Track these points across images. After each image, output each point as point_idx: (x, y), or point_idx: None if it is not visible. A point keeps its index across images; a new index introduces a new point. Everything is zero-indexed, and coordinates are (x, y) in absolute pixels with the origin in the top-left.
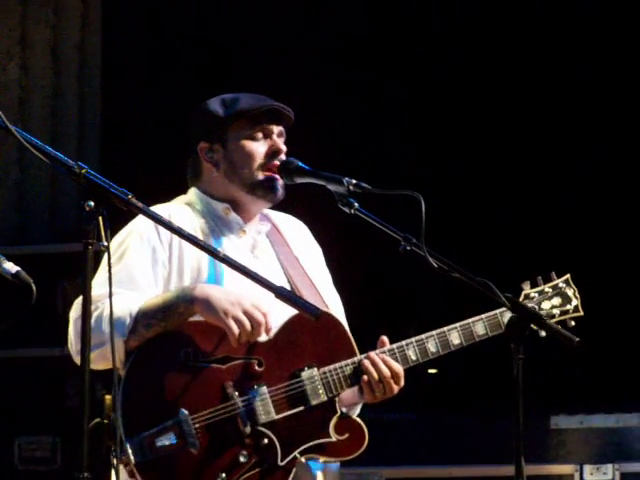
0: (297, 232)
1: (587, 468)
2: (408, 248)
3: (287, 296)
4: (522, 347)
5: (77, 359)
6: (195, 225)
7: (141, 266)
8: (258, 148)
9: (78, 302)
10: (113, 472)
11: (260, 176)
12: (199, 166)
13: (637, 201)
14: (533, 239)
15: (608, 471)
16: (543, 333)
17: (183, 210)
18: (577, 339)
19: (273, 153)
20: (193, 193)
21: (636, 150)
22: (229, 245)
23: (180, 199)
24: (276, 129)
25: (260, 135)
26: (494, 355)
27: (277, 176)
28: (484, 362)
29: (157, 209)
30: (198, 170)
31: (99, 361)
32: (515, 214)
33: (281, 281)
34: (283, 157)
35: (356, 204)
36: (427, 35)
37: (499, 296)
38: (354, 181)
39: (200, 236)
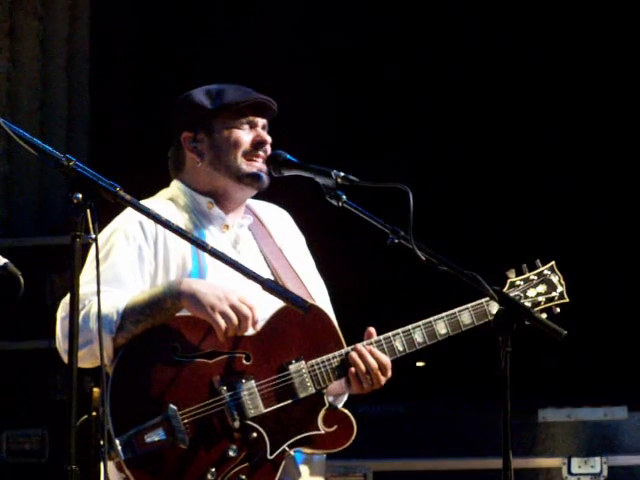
0: (280, 222)
1: (575, 461)
2: (396, 241)
3: (275, 289)
4: (509, 340)
5: (65, 357)
6: (178, 221)
7: (127, 264)
8: (243, 136)
9: (65, 301)
10: (102, 466)
11: (245, 164)
12: (182, 156)
13: (625, 187)
14: (518, 227)
15: (596, 464)
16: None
17: (167, 206)
18: (565, 332)
19: (258, 143)
20: (176, 186)
21: (626, 136)
22: (211, 240)
23: (163, 193)
24: (260, 121)
25: (246, 126)
26: (482, 348)
27: (262, 165)
28: (472, 355)
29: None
30: (180, 160)
31: (88, 359)
32: (501, 203)
33: (265, 274)
34: (268, 148)
35: (344, 197)
36: (413, 27)
37: (487, 289)
38: (342, 174)
39: None
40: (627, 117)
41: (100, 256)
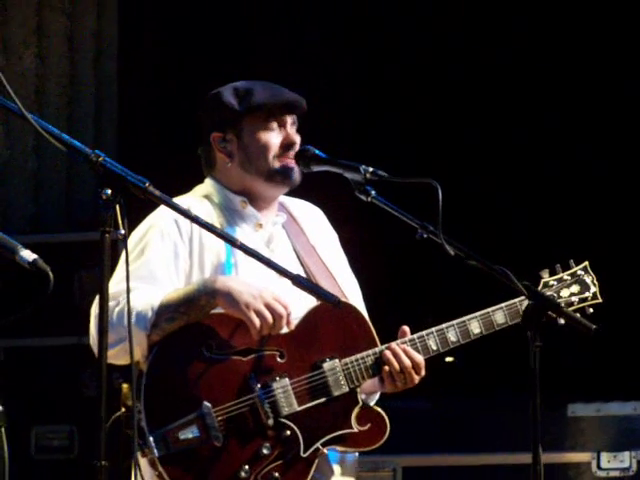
0: (313, 220)
1: (604, 456)
2: (425, 236)
3: (305, 284)
4: (539, 335)
5: None
6: (213, 218)
7: (162, 261)
8: (273, 139)
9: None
10: (133, 464)
11: (276, 164)
12: (212, 156)
13: None
14: (552, 227)
15: (625, 459)
16: (562, 321)
17: (201, 204)
18: (594, 327)
19: (288, 144)
20: (210, 184)
21: None
22: (245, 239)
23: (198, 190)
24: (290, 119)
25: (275, 125)
26: (511, 343)
27: (293, 164)
28: (501, 350)
29: (177, 201)
30: (211, 160)
31: (122, 355)
32: (534, 202)
33: (298, 272)
34: (297, 147)
35: (373, 192)
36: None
37: (516, 284)
38: (371, 169)
39: None
40: None
41: (135, 253)
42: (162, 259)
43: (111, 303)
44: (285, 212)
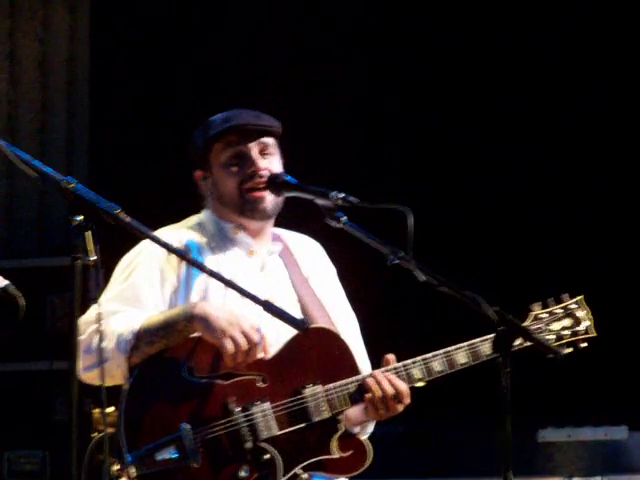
0: (308, 252)
1: None
2: (396, 261)
3: (274, 310)
4: (509, 360)
5: (83, 375)
6: (204, 245)
7: (147, 285)
8: (233, 176)
9: (82, 321)
10: None
11: (244, 197)
12: (200, 192)
13: None
14: (547, 259)
15: None
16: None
17: (193, 231)
18: (563, 353)
19: (250, 174)
20: (204, 213)
21: None
22: (238, 265)
23: (193, 219)
24: (255, 146)
25: (234, 160)
26: (482, 368)
27: (261, 193)
28: (472, 375)
29: (170, 230)
30: (202, 194)
31: (100, 378)
32: (537, 236)
33: (292, 301)
34: (263, 173)
35: (344, 218)
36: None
37: (486, 310)
38: (341, 195)
39: (209, 256)
40: None
41: (124, 275)
42: (148, 283)
43: (93, 326)
44: (281, 242)
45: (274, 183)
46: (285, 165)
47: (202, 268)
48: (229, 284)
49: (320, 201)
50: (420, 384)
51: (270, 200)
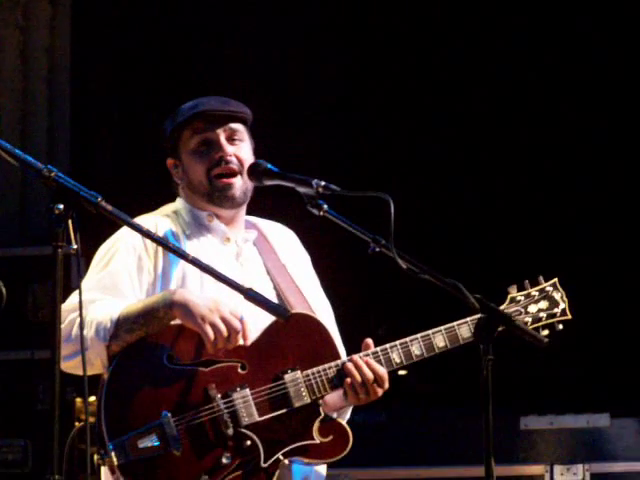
0: (285, 240)
1: (557, 468)
2: (377, 249)
3: (256, 297)
4: (491, 348)
5: (63, 364)
6: (180, 233)
7: (125, 273)
8: (201, 162)
9: (64, 309)
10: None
11: (212, 183)
12: (174, 180)
13: (628, 204)
14: (523, 241)
15: (578, 471)
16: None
17: (169, 219)
18: (546, 340)
19: (218, 160)
20: (178, 202)
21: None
22: (214, 252)
23: (168, 207)
24: (222, 132)
25: (202, 146)
26: (463, 355)
27: (229, 180)
28: (454, 363)
29: (145, 218)
30: (174, 182)
31: (80, 366)
32: (511, 218)
33: (268, 288)
34: (231, 159)
35: (325, 206)
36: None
37: (468, 297)
38: (323, 183)
39: (185, 244)
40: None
41: (102, 263)
42: (126, 271)
43: (72, 315)
44: (255, 230)
45: (255, 171)
46: (267, 154)
47: (184, 256)
48: (211, 272)
49: (302, 189)
50: (401, 372)
51: (239, 187)
